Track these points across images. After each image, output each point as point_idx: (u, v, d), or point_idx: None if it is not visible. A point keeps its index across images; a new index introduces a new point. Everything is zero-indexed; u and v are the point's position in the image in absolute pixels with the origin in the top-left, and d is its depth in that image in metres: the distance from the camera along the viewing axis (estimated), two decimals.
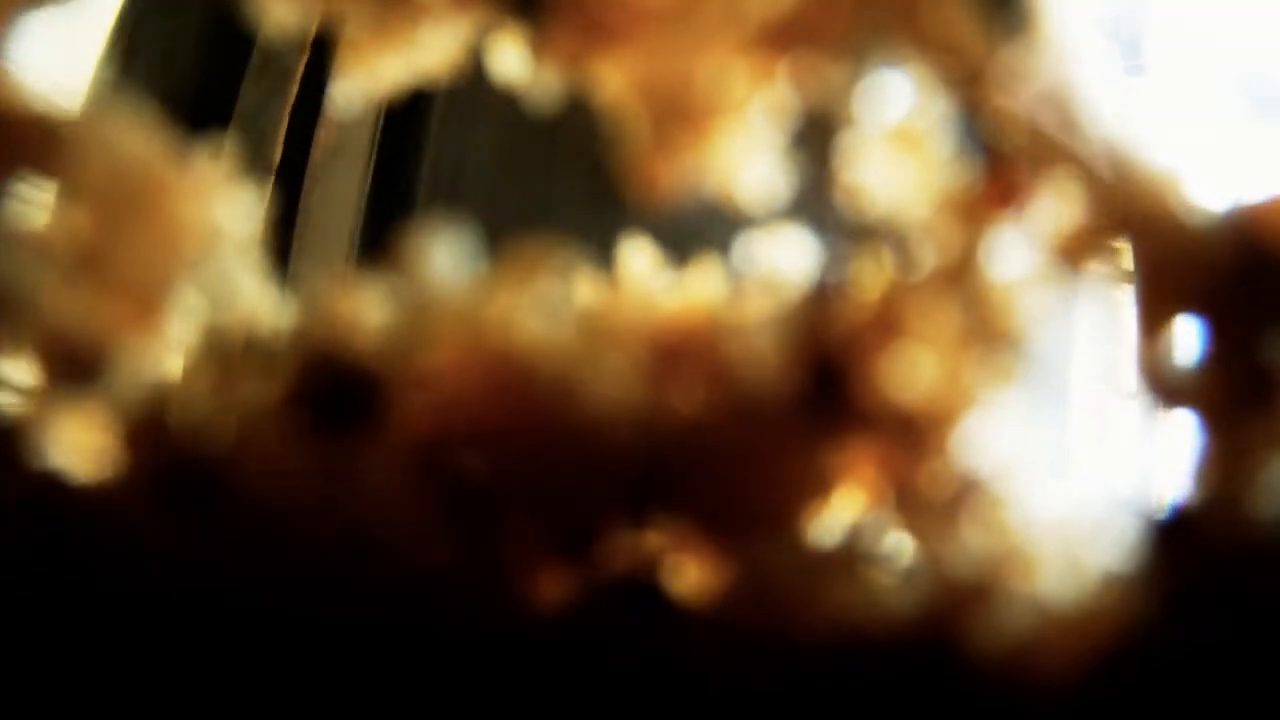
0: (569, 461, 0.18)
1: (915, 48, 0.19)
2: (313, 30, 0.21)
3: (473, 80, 0.22)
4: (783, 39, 0.19)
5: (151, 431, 0.18)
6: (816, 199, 0.20)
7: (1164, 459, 0.19)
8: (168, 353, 0.19)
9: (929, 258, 0.20)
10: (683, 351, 0.19)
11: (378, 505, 0.18)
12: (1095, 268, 0.19)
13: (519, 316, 0.18)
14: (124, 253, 0.18)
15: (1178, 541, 0.18)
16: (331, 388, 0.18)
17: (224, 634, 0.17)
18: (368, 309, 0.18)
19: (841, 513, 0.19)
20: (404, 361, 0.18)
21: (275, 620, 0.17)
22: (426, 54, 0.22)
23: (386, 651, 0.17)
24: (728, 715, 0.17)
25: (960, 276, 0.19)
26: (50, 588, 0.18)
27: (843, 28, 0.19)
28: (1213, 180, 0.20)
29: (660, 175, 0.20)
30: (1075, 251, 0.19)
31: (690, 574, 0.18)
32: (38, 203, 0.19)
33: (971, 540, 0.18)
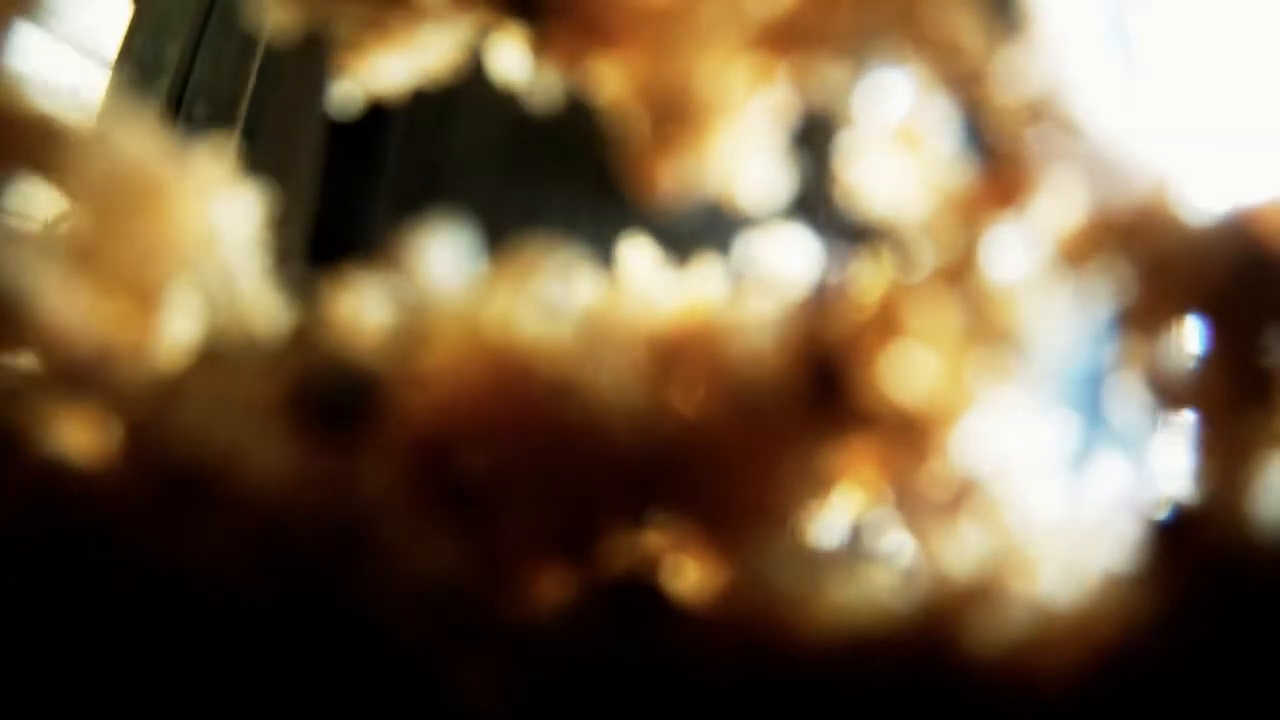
0: (569, 462, 0.18)
1: (915, 48, 0.19)
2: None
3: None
4: (783, 39, 0.19)
5: (151, 431, 0.18)
6: (816, 199, 0.20)
7: (1164, 459, 0.19)
8: (167, 352, 0.19)
9: (929, 258, 0.20)
10: (683, 351, 0.19)
11: (376, 505, 0.17)
12: (1095, 268, 0.19)
13: (518, 316, 0.18)
14: (123, 252, 0.18)
15: (1178, 541, 0.18)
16: (330, 388, 0.18)
17: (222, 633, 0.17)
18: (367, 309, 0.18)
19: (841, 513, 0.19)
20: (403, 361, 0.18)
21: (273, 619, 0.17)
22: (426, 54, 0.22)
23: (385, 651, 0.17)
24: (727, 715, 0.17)
25: (960, 276, 0.19)
26: (47, 587, 0.18)
27: (843, 28, 0.19)
28: (1212, 180, 0.20)
29: (660, 175, 0.20)
30: (1075, 251, 0.19)
31: (690, 574, 0.18)
32: (38, 203, 0.19)
33: (971, 540, 0.18)
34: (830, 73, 0.20)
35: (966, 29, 0.19)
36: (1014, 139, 0.19)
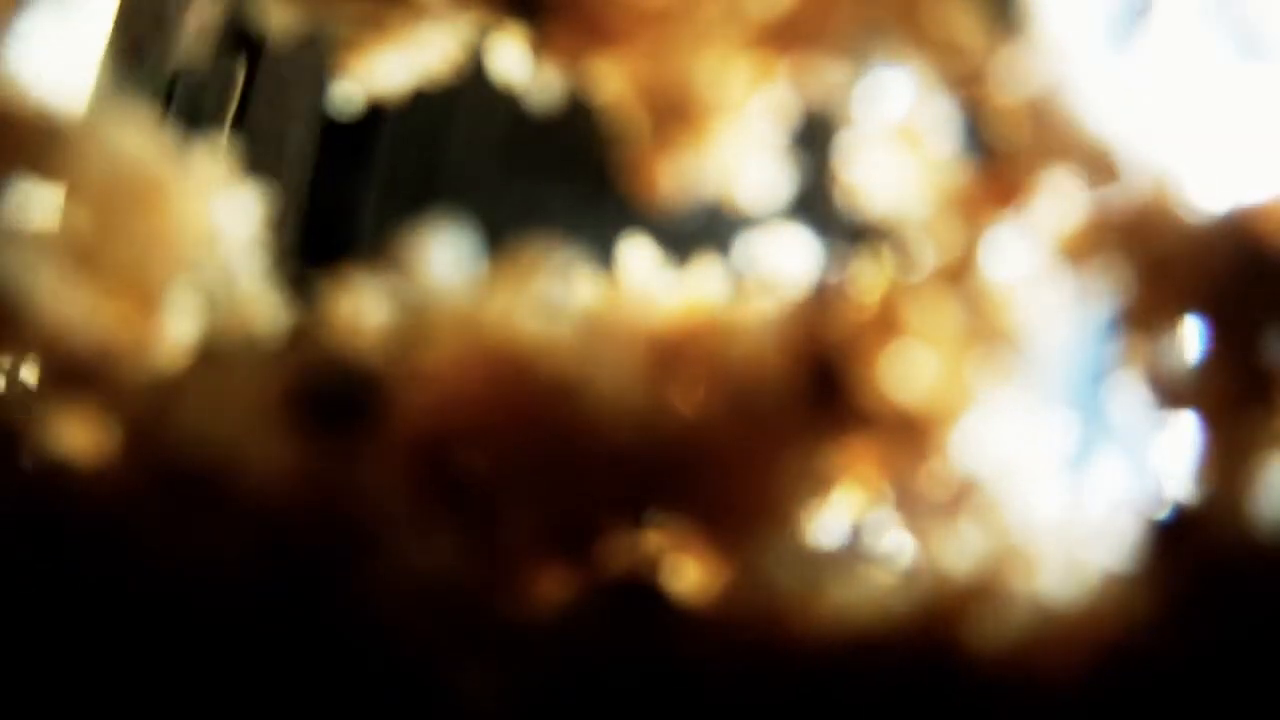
0: (569, 461, 0.18)
1: (915, 47, 0.19)
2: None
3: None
4: (783, 38, 0.19)
5: (151, 431, 0.18)
6: (817, 199, 0.20)
7: (1164, 459, 0.19)
8: (167, 352, 0.19)
9: (929, 258, 0.20)
10: (683, 351, 0.19)
11: (377, 505, 0.17)
12: (1095, 267, 0.19)
13: (519, 316, 0.18)
14: (123, 252, 0.18)
15: (1178, 541, 0.18)
16: (330, 387, 0.18)
17: (223, 632, 0.17)
18: (366, 308, 0.18)
19: (841, 513, 0.19)
20: (403, 361, 0.18)
21: (274, 619, 0.17)
22: (425, 53, 0.22)
23: (385, 651, 0.17)
24: (727, 716, 0.17)
25: (960, 276, 0.19)
26: (49, 586, 0.18)
27: (843, 28, 0.19)
28: (1212, 179, 0.20)
29: (660, 175, 0.20)
30: (1075, 251, 0.19)
31: (690, 574, 0.18)
32: (38, 202, 0.19)
33: (971, 540, 0.18)
34: (830, 72, 0.20)
35: (966, 28, 0.19)
36: (1014, 139, 0.19)
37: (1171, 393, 0.19)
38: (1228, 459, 0.18)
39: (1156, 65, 0.20)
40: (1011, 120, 0.19)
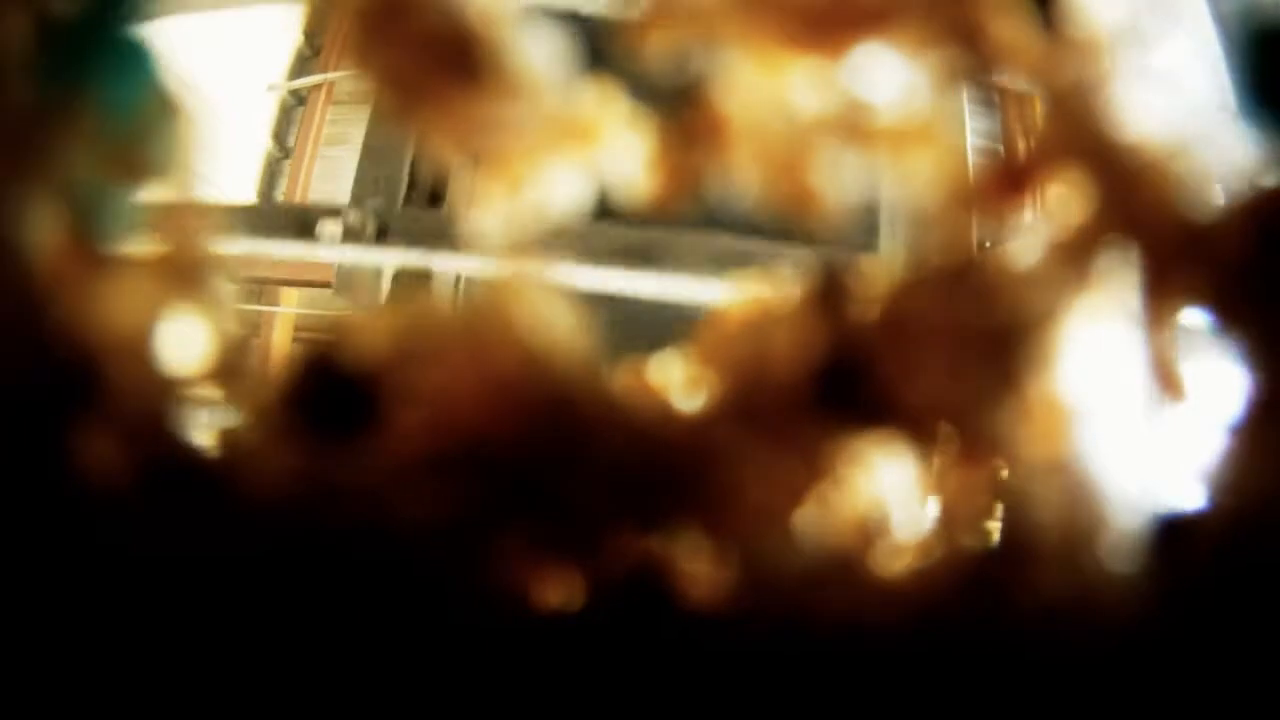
0: (572, 462, 0.18)
1: (938, 37, 0.19)
2: None
3: None
4: (801, 34, 0.19)
5: (156, 433, 0.18)
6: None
7: (1167, 458, 0.19)
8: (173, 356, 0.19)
9: (938, 253, 0.19)
10: (691, 350, 0.19)
11: (380, 506, 0.18)
12: (1103, 263, 0.19)
13: (524, 317, 0.18)
14: None
15: (1178, 541, 0.18)
16: (334, 390, 0.18)
17: (227, 631, 0.17)
18: (370, 311, 0.18)
19: (846, 510, 0.19)
20: (406, 364, 0.18)
21: (279, 619, 0.17)
22: None
23: (391, 650, 0.17)
24: (729, 714, 0.17)
25: (968, 272, 0.19)
26: (58, 585, 0.18)
27: (872, 18, 0.19)
28: (1224, 168, 0.19)
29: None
30: (1083, 247, 0.19)
31: (697, 573, 0.18)
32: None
33: (974, 538, 0.19)
34: (843, 69, 0.19)
35: (996, 20, 0.19)
36: (1035, 133, 0.19)
37: (1176, 387, 0.19)
38: (1260, 457, 0.18)
39: (1176, 62, 0.20)
40: (1029, 113, 0.19)
